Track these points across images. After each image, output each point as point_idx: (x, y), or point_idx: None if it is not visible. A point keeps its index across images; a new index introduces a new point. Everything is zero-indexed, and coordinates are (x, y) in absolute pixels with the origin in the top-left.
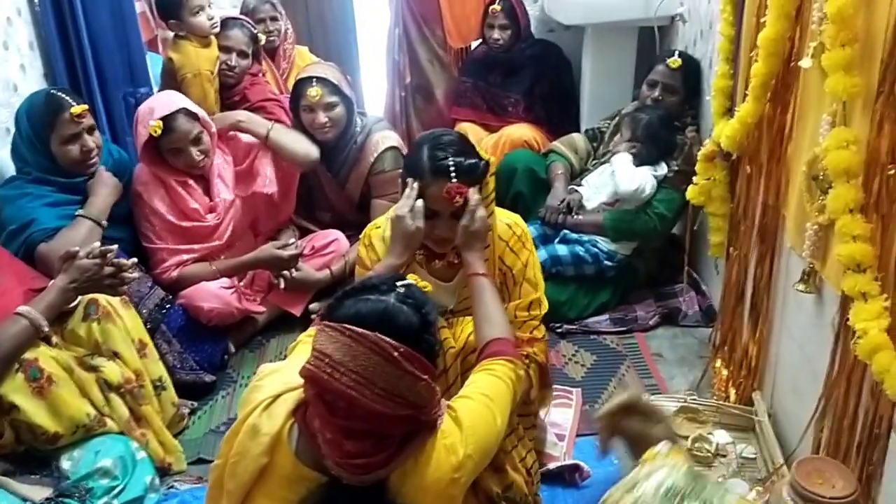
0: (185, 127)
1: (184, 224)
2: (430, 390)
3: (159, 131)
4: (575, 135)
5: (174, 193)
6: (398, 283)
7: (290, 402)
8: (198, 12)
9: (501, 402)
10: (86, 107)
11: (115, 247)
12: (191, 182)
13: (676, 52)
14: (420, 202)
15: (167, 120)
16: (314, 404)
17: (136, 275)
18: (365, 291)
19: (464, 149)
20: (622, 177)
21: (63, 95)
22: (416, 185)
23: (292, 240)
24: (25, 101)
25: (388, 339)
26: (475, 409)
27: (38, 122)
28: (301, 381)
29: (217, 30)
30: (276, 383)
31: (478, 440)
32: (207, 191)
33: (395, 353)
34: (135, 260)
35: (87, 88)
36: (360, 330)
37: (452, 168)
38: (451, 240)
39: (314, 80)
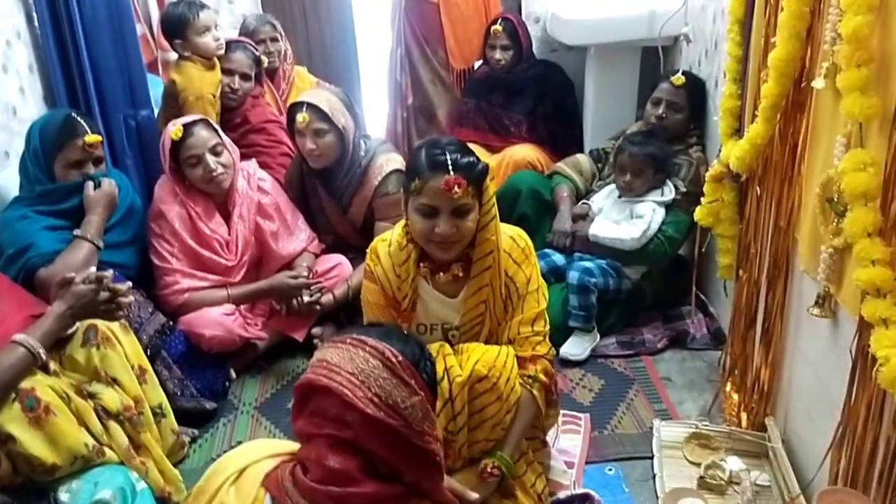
0: (204, 134)
1: (202, 251)
2: (426, 411)
3: (180, 135)
4: (579, 156)
5: (194, 216)
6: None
7: (258, 472)
8: (204, 33)
9: None
10: (100, 138)
11: (111, 272)
12: (212, 210)
13: (680, 71)
14: None
15: (187, 126)
16: (305, 424)
17: (131, 298)
18: (371, 326)
19: (461, 148)
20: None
21: (81, 121)
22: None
23: (304, 272)
24: (43, 117)
25: (389, 345)
26: None
27: (48, 140)
28: (266, 452)
29: (222, 52)
30: (238, 460)
31: None
32: (227, 220)
33: (394, 359)
34: (129, 284)
35: (88, 111)
36: (360, 337)
37: (450, 161)
38: (453, 242)
39: (305, 105)
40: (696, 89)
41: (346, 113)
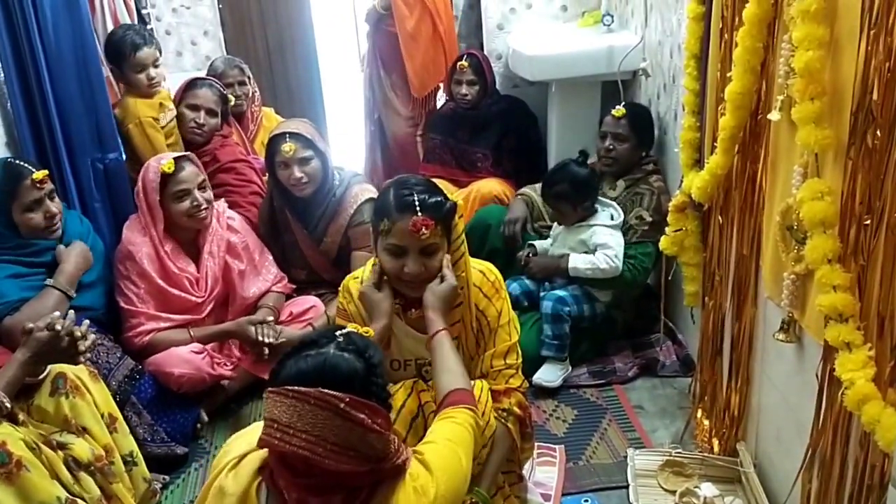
0: (194, 169)
1: (172, 290)
2: (385, 440)
3: (172, 168)
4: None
5: (163, 255)
6: (337, 333)
7: (255, 461)
8: (140, 71)
9: (465, 445)
10: (46, 172)
11: (71, 314)
12: (181, 250)
13: (622, 103)
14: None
15: (177, 161)
16: (276, 468)
17: (91, 338)
18: (305, 348)
19: (429, 188)
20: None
21: (21, 163)
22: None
23: (270, 318)
24: None
25: (331, 391)
26: (441, 451)
27: None
28: None
29: (158, 89)
30: (241, 445)
31: (448, 480)
32: (196, 261)
33: (342, 405)
34: (87, 322)
35: (55, 155)
36: (302, 389)
37: (417, 202)
38: (422, 279)
39: (287, 135)
40: (638, 118)
41: (322, 137)
